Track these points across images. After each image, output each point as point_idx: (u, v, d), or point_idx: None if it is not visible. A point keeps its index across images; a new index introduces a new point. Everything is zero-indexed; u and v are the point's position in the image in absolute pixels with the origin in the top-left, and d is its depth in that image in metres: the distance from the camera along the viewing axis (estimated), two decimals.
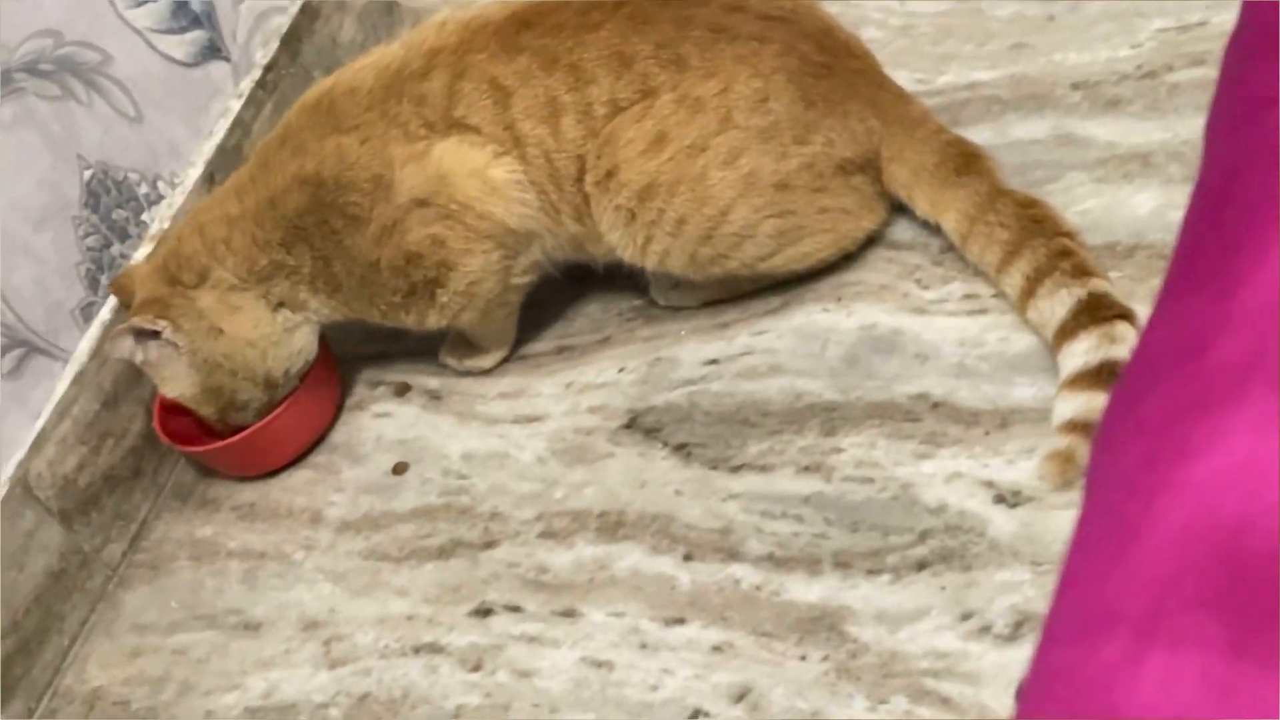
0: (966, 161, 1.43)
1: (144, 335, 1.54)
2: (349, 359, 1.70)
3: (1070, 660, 0.63)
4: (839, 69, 1.46)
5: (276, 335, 1.58)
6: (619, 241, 1.49)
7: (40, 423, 1.56)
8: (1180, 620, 0.60)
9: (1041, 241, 1.35)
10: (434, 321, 1.56)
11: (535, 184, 1.48)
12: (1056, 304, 1.32)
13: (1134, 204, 1.42)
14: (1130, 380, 0.72)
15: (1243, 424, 0.62)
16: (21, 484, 1.54)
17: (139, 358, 1.55)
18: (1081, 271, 1.32)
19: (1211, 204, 0.77)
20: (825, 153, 1.43)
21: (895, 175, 1.46)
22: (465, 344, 1.63)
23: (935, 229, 1.46)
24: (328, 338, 1.65)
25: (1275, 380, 0.63)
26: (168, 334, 1.53)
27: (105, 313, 1.64)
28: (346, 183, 1.49)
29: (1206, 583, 0.60)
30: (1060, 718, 0.60)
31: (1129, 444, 0.67)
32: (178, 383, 1.57)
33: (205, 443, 1.64)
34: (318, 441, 1.66)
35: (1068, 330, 1.30)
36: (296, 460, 1.65)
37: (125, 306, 1.60)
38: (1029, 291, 1.34)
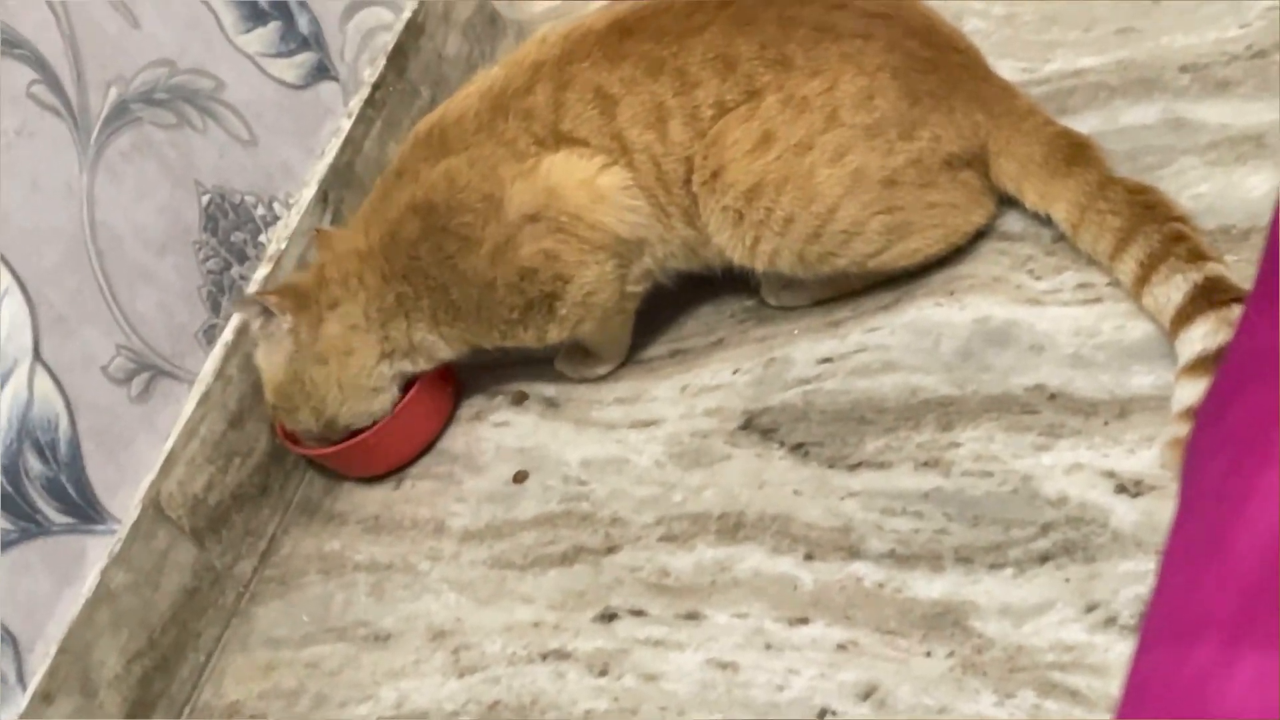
0: (1075, 151, 1.41)
1: (271, 314, 1.58)
2: (466, 369, 1.72)
3: (1164, 663, 0.63)
4: (943, 64, 1.45)
5: (364, 391, 1.62)
6: (727, 242, 1.49)
7: (169, 444, 1.61)
8: (1271, 622, 0.59)
9: (1154, 227, 1.34)
10: (554, 335, 1.57)
11: (645, 189, 1.49)
12: (1172, 289, 1.30)
13: (1247, 186, 1.40)
14: (1217, 389, 0.72)
15: None
16: (154, 504, 1.58)
17: (256, 325, 1.61)
18: (1196, 256, 1.30)
19: None
20: (932, 148, 1.43)
21: (1003, 169, 1.45)
22: (580, 352, 1.64)
23: (1046, 220, 1.45)
24: None
25: None
26: (286, 327, 1.58)
27: (228, 334, 1.67)
28: (458, 205, 1.51)
29: None
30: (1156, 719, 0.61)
31: (1217, 451, 0.67)
32: (268, 362, 1.62)
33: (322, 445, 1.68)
34: (436, 449, 1.68)
35: (1184, 315, 1.28)
36: (418, 470, 1.68)
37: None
38: (1144, 278, 1.33)
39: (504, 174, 1.50)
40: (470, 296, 1.55)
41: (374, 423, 1.64)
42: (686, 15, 1.49)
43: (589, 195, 1.48)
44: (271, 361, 1.61)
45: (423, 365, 1.63)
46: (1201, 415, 0.73)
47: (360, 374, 1.61)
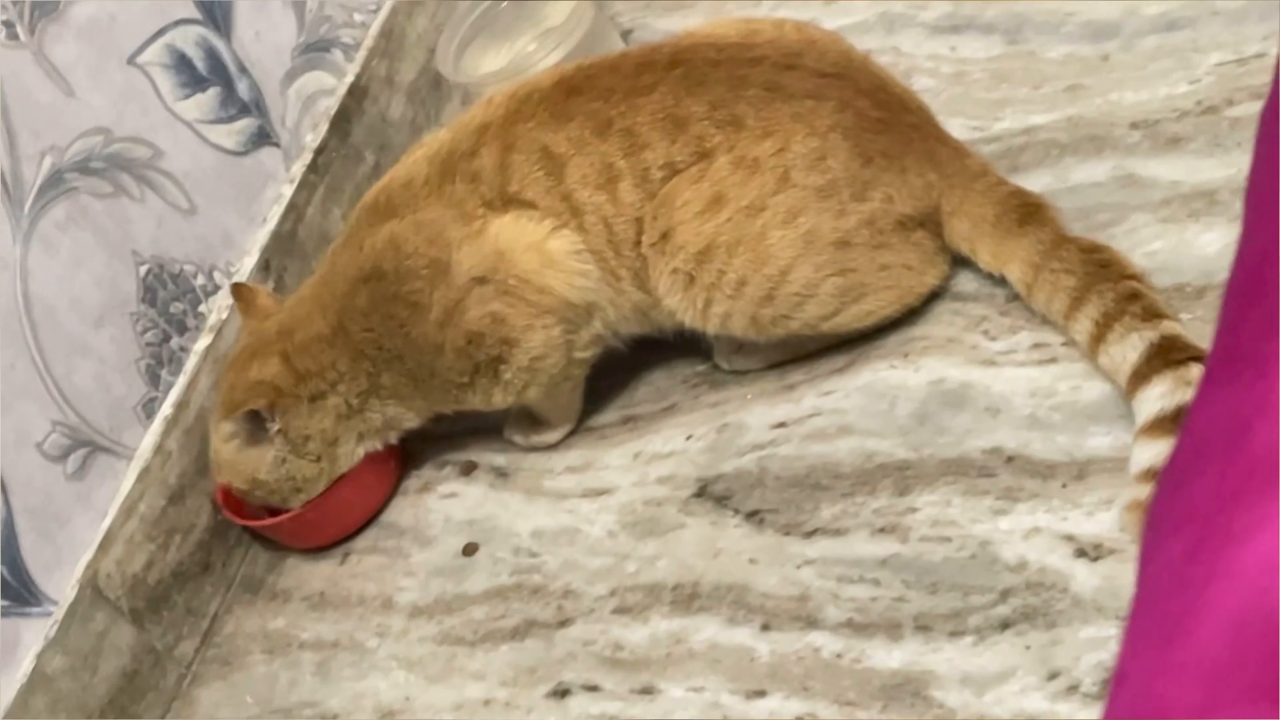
0: (1028, 211, 1.40)
1: (256, 419, 1.54)
2: (413, 440, 1.69)
3: None
4: (895, 124, 1.44)
5: (331, 473, 1.59)
6: (678, 305, 1.47)
7: (107, 522, 1.56)
8: (1235, 712, 0.58)
9: (1109, 286, 1.33)
10: (499, 400, 1.54)
11: (595, 252, 1.47)
12: (1128, 348, 1.29)
13: (1201, 243, 1.39)
14: (1175, 466, 0.70)
15: None
16: (91, 585, 1.53)
17: (240, 431, 1.55)
18: (1152, 314, 1.29)
19: (1249, 283, 0.75)
20: (885, 209, 1.41)
21: (956, 229, 1.44)
22: (530, 419, 1.61)
23: (1000, 280, 1.43)
24: None
25: None
26: (274, 430, 1.55)
27: (167, 408, 1.63)
28: (406, 271, 1.49)
29: (1259, 673, 0.58)
30: None
31: (1177, 532, 0.65)
32: (243, 460, 1.57)
33: (266, 517, 1.65)
34: (383, 522, 1.65)
35: (1141, 375, 1.27)
36: (364, 545, 1.64)
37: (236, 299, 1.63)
38: (1099, 337, 1.32)
39: (451, 237, 1.48)
40: (424, 363, 1.52)
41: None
42: (635, 74, 1.47)
43: (539, 259, 1.46)
44: (248, 460, 1.57)
45: (392, 440, 1.61)
46: (1160, 491, 0.71)
47: (343, 459, 1.59)
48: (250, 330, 1.61)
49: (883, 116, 1.44)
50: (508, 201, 1.47)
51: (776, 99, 1.43)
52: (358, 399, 1.56)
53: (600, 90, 1.47)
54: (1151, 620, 0.64)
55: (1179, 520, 0.66)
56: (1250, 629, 0.59)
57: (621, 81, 1.47)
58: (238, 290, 1.64)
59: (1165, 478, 0.71)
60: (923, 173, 1.43)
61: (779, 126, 1.41)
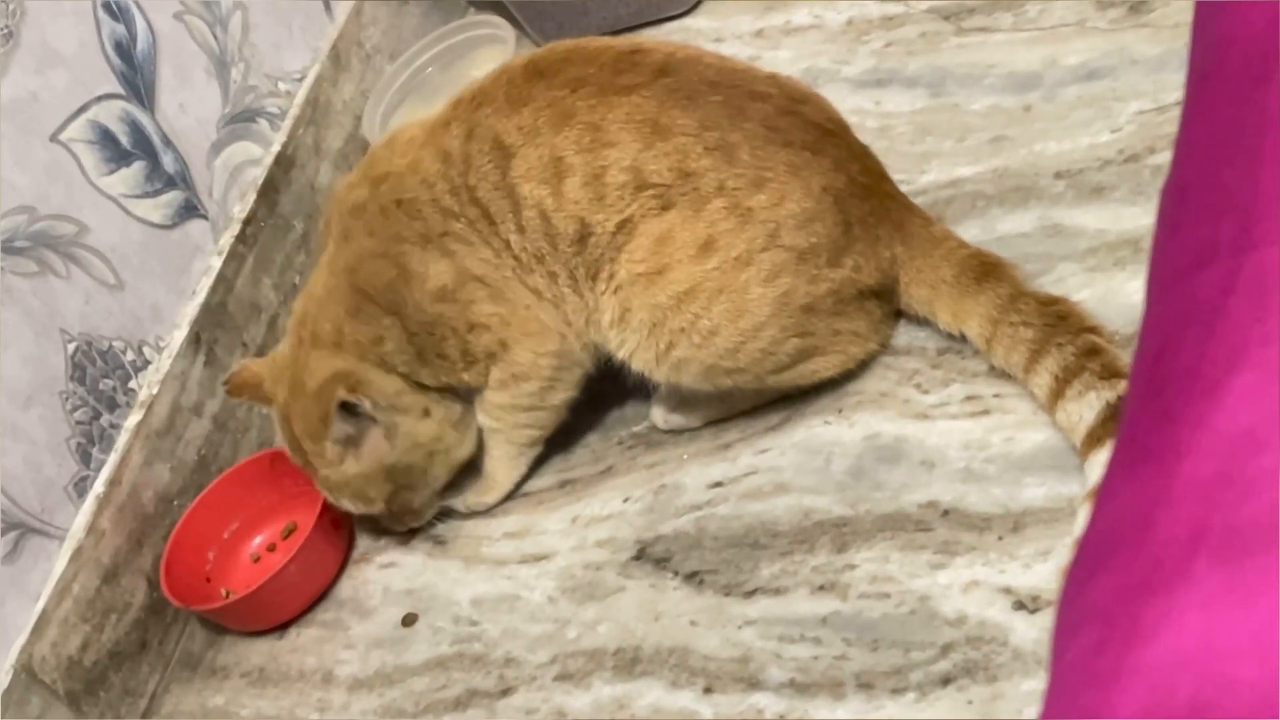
0: (986, 269, 1.40)
1: (346, 410, 1.48)
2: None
3: None
4: (876, 192, 1.44)
5: (449, 419, 1.55)
6: (637, 344, 1.44)
7: (40, 605, 1.53)
8: None
9: (1068, 338, 1.32)
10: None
11: (533, 252, 1.45)
12: (1085, 407, 1.28)
13: (1128, 291, 1.40)
14: (1083, 558, 0.70)
15: (1191, 603, 0.61)
16: (26, 670, 1.50)
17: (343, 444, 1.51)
18: (1111, 372, 1.29)
19: (1150, 372, 0.75)
20: (851, 278, 1.41)
21: (915, 295, 1.44)
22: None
23: (932, 333, 1.44)
24: None
25: (1219, 555, 0.61)
26: (367, 408, 1.48)
27: (99, 486, 1.61)
28: (411, 204, 1.49)
29: None
30: None
31: (1085, 626, 0.65)
32: (370, 466, 1.52)
33: (211, 601, 1.63)
34: (324, 596, 1.63)
35: (1096, 437, 1.26)
36: (303, 618, 1.62)
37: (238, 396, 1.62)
38: (1058, 392, 1.31)
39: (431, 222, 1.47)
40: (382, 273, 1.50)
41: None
42: (614, 70, 1.42)
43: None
44: (370, 460, 1.53)
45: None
46: (1068, 582, 0.71)
47: (450, 404, 1.57)
48: (268, 395, 1.56)
49: (867, 183, 1.43)
50: (471, 198, 1.45)
51: (774, 141, 1.39)
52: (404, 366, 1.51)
53: (568, 79, 1.43)
54: (1062, 716, 0.64)
55: (1086, 614, 0.66)
56: None
57: (596, 74, 1.42)
58: (231, 381, 1.61)
59: (1073, 569, 0.71)
60: (891, 245, 1.43)
61: (775, 175, 1.38)
